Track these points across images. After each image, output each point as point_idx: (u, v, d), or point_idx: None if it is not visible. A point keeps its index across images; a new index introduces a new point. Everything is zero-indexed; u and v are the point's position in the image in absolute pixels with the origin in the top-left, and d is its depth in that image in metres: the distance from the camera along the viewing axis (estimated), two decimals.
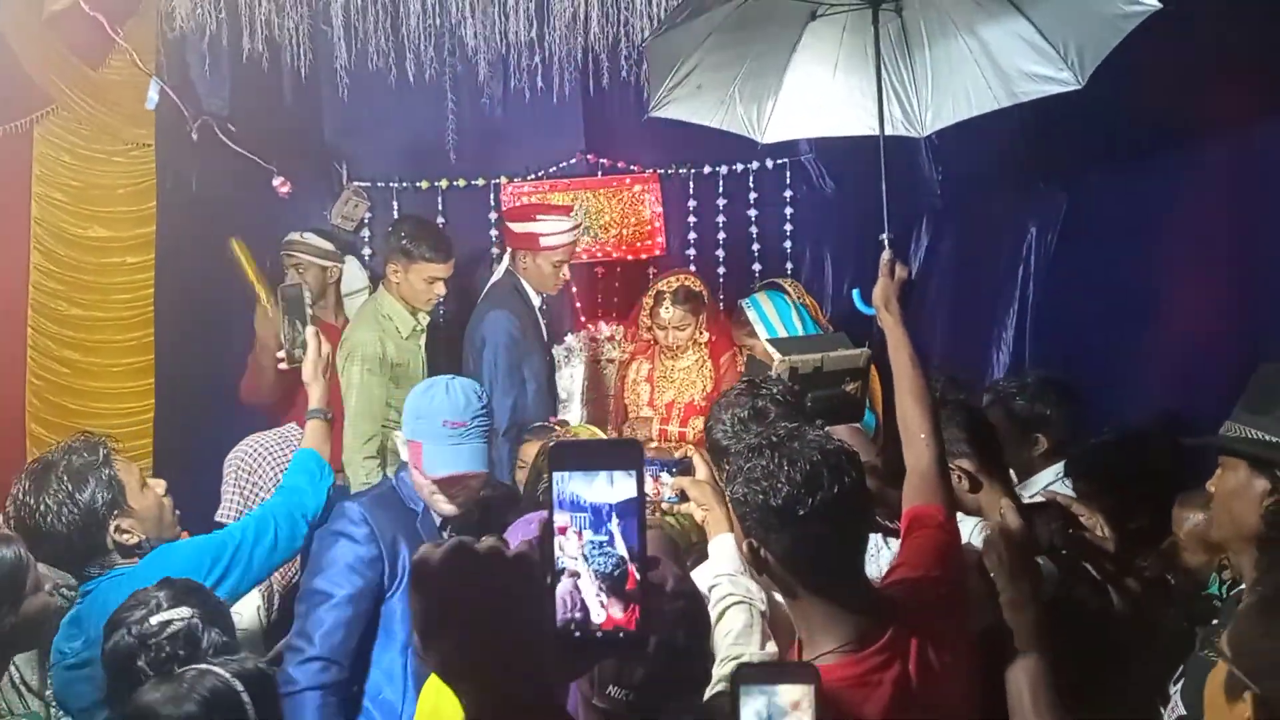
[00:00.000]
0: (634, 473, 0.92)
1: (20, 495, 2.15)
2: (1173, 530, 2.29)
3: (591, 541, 0.91)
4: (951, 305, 4.60)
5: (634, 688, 1.50)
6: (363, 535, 2.37)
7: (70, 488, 2.14)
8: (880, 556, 2.31)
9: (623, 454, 0.93)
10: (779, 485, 1.59)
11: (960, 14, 2.87)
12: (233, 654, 1.86)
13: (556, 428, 3.40)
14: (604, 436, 3.13)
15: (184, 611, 1.86)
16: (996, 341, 4.57)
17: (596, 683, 1.51)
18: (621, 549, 0.90)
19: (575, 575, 0.90)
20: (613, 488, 0.92)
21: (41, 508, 2.12)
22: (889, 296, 2.24)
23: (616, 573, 0.90)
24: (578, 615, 0.90)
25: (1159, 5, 2.54)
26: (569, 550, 0.90)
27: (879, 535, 2.26)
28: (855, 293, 2.46)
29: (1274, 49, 2.93)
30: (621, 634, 0.90)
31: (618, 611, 0.90)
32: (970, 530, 2.16)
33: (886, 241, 2.49)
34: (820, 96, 3.11)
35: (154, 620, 1.83)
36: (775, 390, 2.38)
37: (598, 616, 0.90)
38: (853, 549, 1.68)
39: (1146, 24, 3.10)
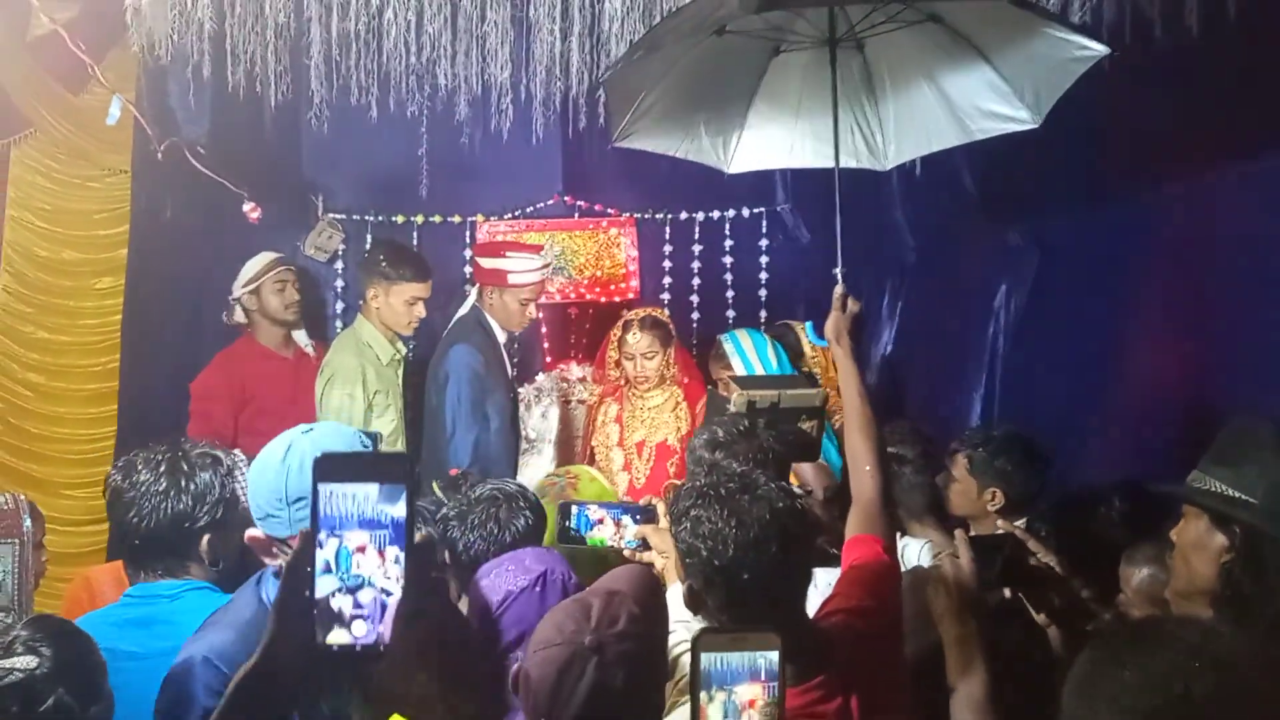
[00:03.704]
0: (404, 487, 0.93)
1: (137, 468, 2.01)
2: (1120, 588, 2.25)
3: (398, 558, 0.92)
4: (927, 360, 4.62)
5: None
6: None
7: (199, 477, 2.00)
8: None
9: (393, 467, 0.94)
10: (725, 546, 1.60)
11: (919, 52, 2.93)
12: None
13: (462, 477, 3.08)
14: (607, 487, 3.02)
15: (29, 662, 1.61)
16: (970, 397, 4.59)
17: (532, 715, 1.48)
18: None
19: (385, 593, 0.91)
20: (397, 504, 0.92)
21: (151, 485, 1.97)
22: (841, 330, 2.26)
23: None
24: (362, 630, 0.91)
25: (1107, 50, 2.63)
26: (367, 567, 0.91)
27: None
28: (809, 325, 2.48)
29: (1236, 103, 2.99)
30: (383, 646, 0.92)
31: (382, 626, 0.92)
32: (918, 550, 2.17)
33: (839, 275, 2.51)
34: (785, 130, 3.16)
35: None
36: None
37: (374, 632, 0.92)
38: (792, 600, 1.69)
39: (1117, 80, 3.18)
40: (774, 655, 1.13)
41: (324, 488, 0.92)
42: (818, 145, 3.12)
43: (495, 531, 2.19)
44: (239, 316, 4.08)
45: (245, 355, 4.00)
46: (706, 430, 2.43)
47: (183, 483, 1.98)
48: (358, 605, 0.91)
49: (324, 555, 0.91)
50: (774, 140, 3.21)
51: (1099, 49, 2.63)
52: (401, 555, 0.92)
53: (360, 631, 0.91)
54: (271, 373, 3.98)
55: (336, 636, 0.91)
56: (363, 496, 0.92)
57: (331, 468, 0.93)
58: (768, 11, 2.49)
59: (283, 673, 0.94)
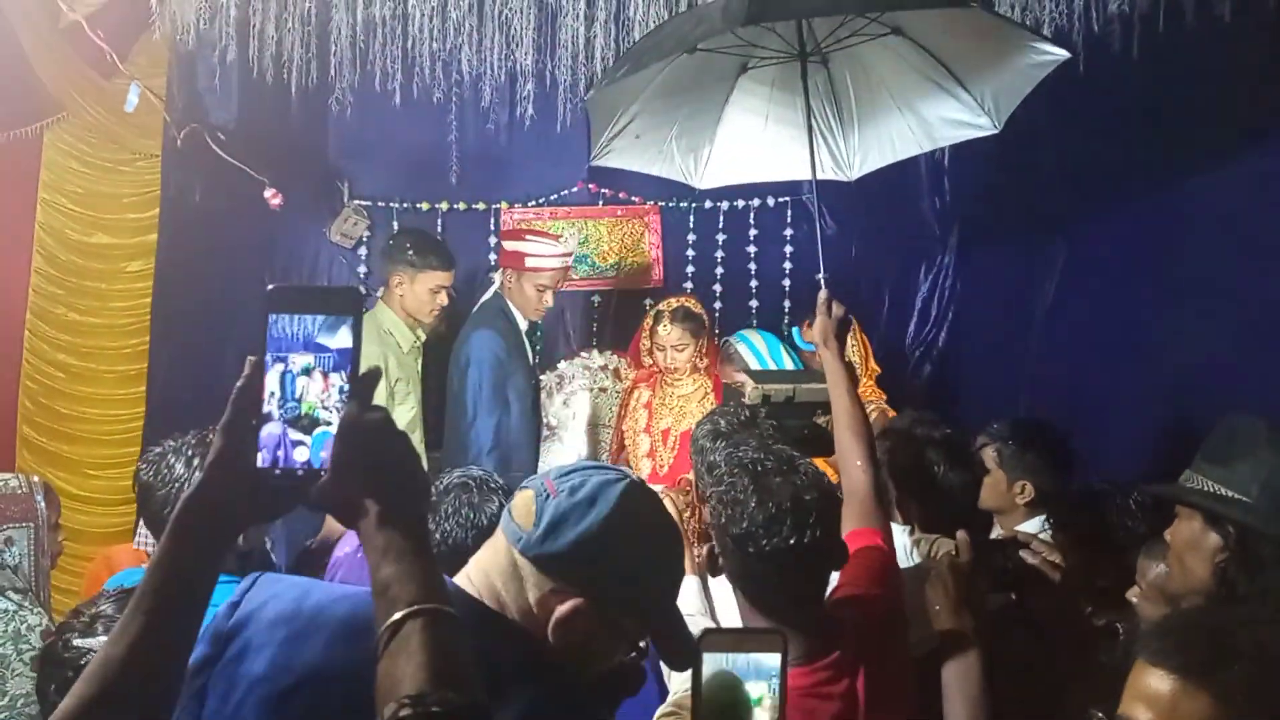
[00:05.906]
0: (351, 317, 0.97)
1: (167, 460, 1.92)
2: (1136, 581, 2.22)
3: (341, 387, 0.96)
4: (958, 352, 4.59)
5: None
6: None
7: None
8: None
9: (341, 298, 0.98)
10: (741, 517, 1.65)
11: (882, 65, 2.98)
12: None
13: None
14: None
15: (93, 644, 1.54)
16: (1000, 391, 4.53)
17: None
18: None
19: (328, 422, 0.95)
20: (338, 335, 0.96)
21: (184, 479, 1.87)
22: (827, 333, 2.34)
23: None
24: (303, 456, 0.96)
25: (1067, 55, 2.69)
26: (312, 394, 0.95)
27: None
28: (795, 330, 2.51)
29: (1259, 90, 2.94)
30: (321, 471, 0.95)
31: (324, 452, 0.96)
32: (906, 541, 2.20)
33: (822, 281, 2.59)
34: (753, 144, 3.22)
35: (68, 636, 1.58)
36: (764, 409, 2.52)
37: (314, 457, 0.96)
38: (806, 586, 1.71)
39: (1141, 73, 3.12)
40: (777, 656, 1.12)
41: (273, 317, 0.96)
42: (785, 158, 3.18)
43: (471, 516, 2.19)
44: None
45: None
46: (709, 421, 2.44)
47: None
48: (300, 431, 0.95)
49: (270, 380, 0.95)
50: (743, 155, 3.27)
51: (1059, 53, 2.69)
52: (345, 383, 0.96)
53: (301, 457, 0.95)
54: None
55: (278, 461, 0.95)
56: (310, 322, 0.96)
57: (282, 299, 0.97)
58: (750, 25, 2.53)
59: (225, 498, 0.96)
